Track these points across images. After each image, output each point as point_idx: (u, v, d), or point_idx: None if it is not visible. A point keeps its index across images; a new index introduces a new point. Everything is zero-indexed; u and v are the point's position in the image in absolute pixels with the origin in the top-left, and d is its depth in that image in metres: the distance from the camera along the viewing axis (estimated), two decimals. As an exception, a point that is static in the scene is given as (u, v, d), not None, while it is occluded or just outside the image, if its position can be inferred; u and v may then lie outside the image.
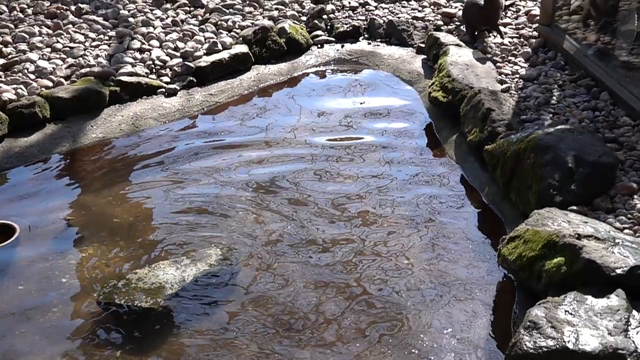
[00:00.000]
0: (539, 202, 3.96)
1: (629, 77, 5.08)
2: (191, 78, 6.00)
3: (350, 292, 3.81)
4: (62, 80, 5.71)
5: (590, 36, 5.67)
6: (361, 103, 5.85)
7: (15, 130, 5.22)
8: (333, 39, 6.84)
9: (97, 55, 6.09)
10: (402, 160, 5.01)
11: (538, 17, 6.28)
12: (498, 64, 5.79)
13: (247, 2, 7.26)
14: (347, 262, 4.04)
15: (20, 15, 6.73)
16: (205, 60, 6.13)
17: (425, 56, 6.37)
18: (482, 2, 6.13)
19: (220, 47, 6.31)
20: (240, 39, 6.51)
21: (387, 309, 3.69)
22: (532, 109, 5.01)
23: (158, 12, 6.94)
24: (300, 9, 7.20)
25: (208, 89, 5.99)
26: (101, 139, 5.32)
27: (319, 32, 6.88)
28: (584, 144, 4.17)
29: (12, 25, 6.50)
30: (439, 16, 6.93)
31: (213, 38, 6.46)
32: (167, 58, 6.17)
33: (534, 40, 6.10)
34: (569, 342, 2.94)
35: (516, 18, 6.70)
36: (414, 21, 6.87)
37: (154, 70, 6.03)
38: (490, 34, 6.31)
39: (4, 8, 6.81)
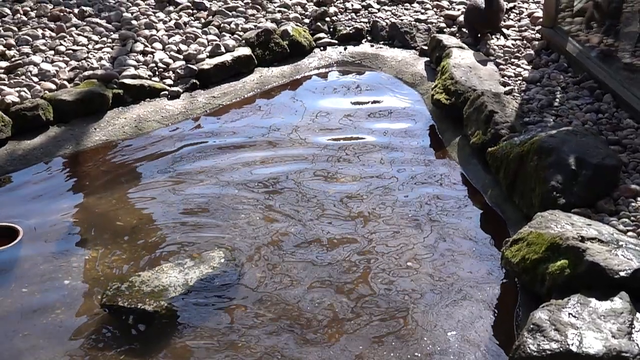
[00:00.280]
0: (542, 205, 3.96)
1: (632, 79, 5.07)
2: (194, 80, 6.01)
3: (353, 293, 3.81)
4: (65, 82, 5.72)
5: (593, 38, 5.67)
6: (364, 105, 5.85)
7: (18, 133, 5.22)
8: (336, 42, 6.84)
9: (100, 58, 6.10)
10: (405, 162, 5.01)
11: (541, 20, 6.27)
12: (501, 67, 5.79)
13: (250, 4, 7.26)
14: (350, 262, 4.04)
15: (24, 18, 6.74)
16: (208, 63, 6.13)
17: (428, 58, 6.36)
18: (483, 5, 6.14)
19: (223, 49, 6.32)
20: (243, 41, 6.52)
21: (390, 309, 3.70)
22: (535, 112, 5.00)
23: (161, 15, 6.95)
24: (303, 12, 7.21)
25: (211, 91, 6.00)
26: (104, 142, 5.33)
27: (321, 35, 6.89)
28: (587, 146, 4.16)
29: (15, 28, 6.51)
30: (442, 18, 6.93)
31: (216, 40, 6.47)
32: (170, 61, 6.17)
33: (536, 43, 6.10)
34: (572, 345, 2.94)
35: (519, 20, 6.70)
36: (417, 23, 6.87)
37: (157, 73, 6.04)
38: (493, 36, 6.31)
39: (7, 11, 6.81)
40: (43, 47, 6.20)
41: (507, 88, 5.36)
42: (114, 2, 7.21)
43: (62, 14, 6.79)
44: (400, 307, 3.71)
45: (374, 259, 4.08)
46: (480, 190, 4.66)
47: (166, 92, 5.86)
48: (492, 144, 4.62)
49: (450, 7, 7.17)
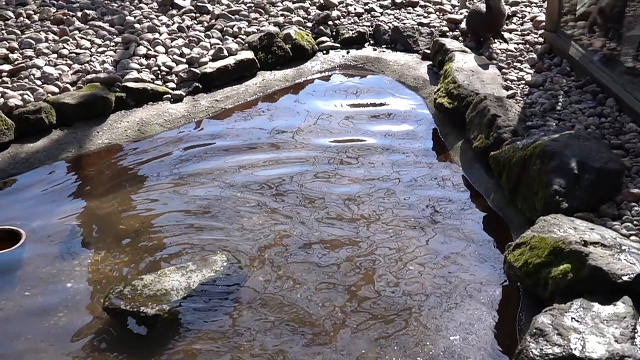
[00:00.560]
0: (545, 209, 3.96)
1: (635, 83, 5.07)
2: (197, 84, 6.02)
3: (356, 296, 3.82)
4: (68, 86, 5.72)
5: (596, 42, 5.67)
6: (366, 109, 5.86)
7: (21, 136, 5.23)
8: (338, 45, 6.85)
9: (103, 61, 6.11)
10: (407, 166, 5.01)
11: (544, 23, 6.27)
12: (504, 70, 5.79)
13: (253, 8, 7.27)
14: (353, 265, 4.05)
15: (27, 21, 6.75)
16: (211, 67, 6.14)
17: (430, 62, 6.37)
18: (485, 10, 6.15)
19: (226, 53, 6.32)
20: (246, 45, 6.52)
21: (393, 312, 3.70)
22: (538, 115, 5.00)
23: (164, 18, 6.96)
24: (306, 15, 7.21)
25: (214, 95, 6.00)
26: (107, 145, 5.33)
27: (324, 38, 6.89)
28: (590, 150, 4.16)
29: (18, 32, 6.53)
30: (445, 22, 6.93)
31: (219, 44, 6.47)
32: (173, 64, 6.18)
33: (539, 47, 6.10)
34: (575, 349, 2.93)
35: (522, 24, 6.70)
36: (420, 27, 6.87)
37: (159, 76, 6.05)
38: (496, 40, 6.31)
39: (11, 14, 6.83)
40: (46, 51, 6.21)
41: (510, 92, 5.36)
42: (117, 5, 7.22)
43: (65, 17, 6.80)
44: (403, 310, 3.71)
45: (377, 261, 4.08)
46: (482, 194, 4.66)
47: (169, 96, 5.87)
48: (494, 148, 4.62)
49: (453, 11, 7.17)
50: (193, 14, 7.11)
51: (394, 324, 3.63)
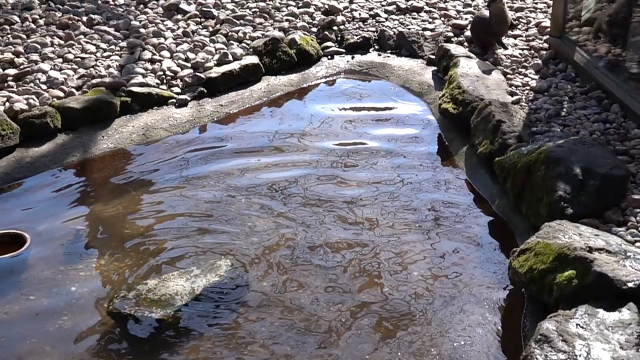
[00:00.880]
0: (549, 215, 3.95)
1: (640, 89, 5.07)
2: (202, 89, 6.03)
3: (360, 300, 3.82)
4: (74, 90, 5.74)
5: (601, 48, 5.67)
6: (371, 114, 5.86)
7: (26, 140, 5.24)
8: (343, 50, 6.85)
9: (109, 66, 6.12)
10: (412, 171, 5.01)
11: (548, 29, 6.27)
12: (508, 76, 5.79)
13: (258, 13, 7.28)
14: (357, 269, 4.05)
15: (32, 25, 6.77)
16: (216, 71, 6.15)
17: (435, 68, 6.37)
18: (488, 16, 6.17)
19: (230, 58, 6.33)
20: (251, 50, 6.53)
21: (397, 316, 3.70)
22: (543, 121, 5.00)
23: (169, 23, 6.98)
24: (311, 20, 7.22)
25: (218, 99, 6.01)
26: (112, 149, 5.34)
27: (329, 44, 6.90)
28: (595, 156, 4.16)
29: (24, 36, 6.54)
30: (450, 28, 6.93)
31: (224, 49, 6.48)
32: (178, 69, 6.19)
33: (544, 52, 6.10)
34: (580, 356, 2.93)
35: (526, 30, 6.70)
36: (424, 33, 6.87)
37: (164, 81, 6.06)
38: (500, 47, 6.32)
39: (16, 19, 6.85)
40: (51, 55, 6.22)
41: (515, 98, 5.36)
42: (122, 10, 7.24)
43: (70, 22, 6.82)
44: (408, 314, 3.71)
45: (381, 264, 4.09)
46: (487, 200, 4.66)
47: (174, 100, 5.88)
48: (499, 154, 4.62)
49: (457, 16, 7.17)
50: (198, 19, 7.12)
51: (399, 328, 3.63)
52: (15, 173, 4.99)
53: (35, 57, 6.17)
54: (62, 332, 3.65)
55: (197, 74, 6.10)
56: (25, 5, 7.15)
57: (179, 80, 6.09)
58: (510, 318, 3.70)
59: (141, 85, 5.85)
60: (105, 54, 6.36)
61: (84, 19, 6.93)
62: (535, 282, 3.52)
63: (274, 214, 4.54)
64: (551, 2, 6.36)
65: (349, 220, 4.48)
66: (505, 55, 6.17)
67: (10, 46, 6.30)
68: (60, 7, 7.17)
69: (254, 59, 6.36)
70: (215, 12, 7.21)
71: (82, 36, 6.61)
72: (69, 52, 6.29)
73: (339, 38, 7.01)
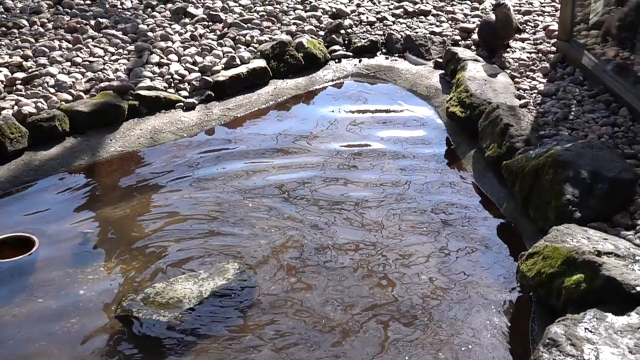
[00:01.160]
0: (558, 218, 3.94)
1: (649, 93, 5.05)
2: (209, 92, 6.04)
3: (369, 302, 3.82)
4: (82, 94, 5.75)
5: (609, 51, 5.66)
6: (378, 117, 5.86)
7: (35, 144, 5.26)
8: (351, 54, 6.86)
9: (116, 70, 6.14)
10: (419, 174, 5.01)
11: (556, 33, 6.27)
12: (516, 79, 5.78)
13: (265, 16, 7.30)
14: (365, 270, 4.05)
15: (41, 29, 6.80)
16: (224, 75, 6.16)
17: (442, 71, 6.37)
18: (494, 21, 6.18)
19: (238, 61, 6.34)
20: (258, 53, 6.54)
21: (405, 318, 3.70)
22: (551, 125, 4.99)
23: (177, 27, 6.99)
24: (318, 24, 7.23)
25: (226, 103, 6.02)
26: (120, 153, 5.35)
27: (336, 47, 6.90)
28: (603, 160, 4.15)
29: (32, 40, 6.57)
30: (457, 31, 6.93)
31: (231, 52, 6.50)
32: (186, 72, 6.20)
33: (552, 56, 6.09)
34: None
35: (534, 33, 6.69)
36: (432, 36, 6.88)
37: (172, 85, 6.07)
38: (508, 50, 6.31)
39: (25, 22, 6.88)
40: (60, 59, 6.24)
41: (523, 101, 5.35)
42: (130, 14, 7.26)
43: (78, 25, 6.84)
44: (415, 316, 3.71)
45: (389, 266, 4.08)
46: (495, 203, 4.66)
47: (181, 104, 5.89)
48: (507, 157, 4.61)
49: (465, 20, 7.18)
50: (206, 23, 7.13)
51: (406, 330, 3.63)
52: (23, 176, 5.01)
53: (43, 60, 6.19)
54: (69, 334, 3.66)
55: (204, 77, 6.11)
56: (33, 9, 7.18)
57: (186, 83, 6.10)
58: (518, 322, 3.70)
59: (149, 88, 5.87)
60: (113, 57, 6.38)
61: (92, 22, 6.95)
62: (544, 286, 3.51)
63: (282, 216, 4.55)
64: (559, 6, 6.36)
65: (356, 222, 4.48)
66: (512, 58, 6.16)
67: (19, 50, 6.33)
68: (69, 10, 7.19)
69: (261, 63, 6.37)
70: (222, 15, 7.23)
71: (90, 40, 6.63)
72: (77, 56, 6.31)
73: (346, 41, 7.01)
